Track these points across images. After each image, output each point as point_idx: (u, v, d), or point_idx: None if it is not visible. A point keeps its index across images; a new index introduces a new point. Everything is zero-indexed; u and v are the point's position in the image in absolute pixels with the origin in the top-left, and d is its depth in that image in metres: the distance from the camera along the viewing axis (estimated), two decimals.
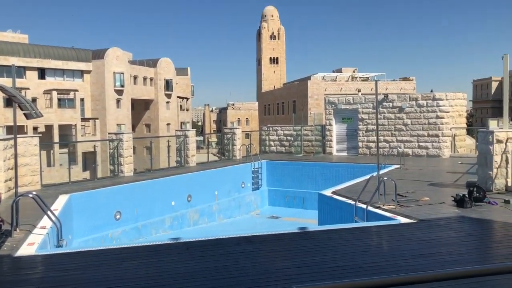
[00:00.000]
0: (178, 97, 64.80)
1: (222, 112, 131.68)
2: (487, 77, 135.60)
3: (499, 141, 12.47)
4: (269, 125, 30.00)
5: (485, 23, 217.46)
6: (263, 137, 28.28)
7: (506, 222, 9.31)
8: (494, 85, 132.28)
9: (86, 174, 36.47)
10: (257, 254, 7.62)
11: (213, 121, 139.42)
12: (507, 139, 12.53)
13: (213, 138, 61.05)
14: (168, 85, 60.97)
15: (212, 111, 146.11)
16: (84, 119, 49.98)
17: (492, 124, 13.25)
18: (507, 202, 10.96)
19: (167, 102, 61.53)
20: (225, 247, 7.92)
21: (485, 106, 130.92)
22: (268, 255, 7.64)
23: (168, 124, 60.65)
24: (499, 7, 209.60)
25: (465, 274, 4.46)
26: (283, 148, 27.43)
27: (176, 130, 23.64)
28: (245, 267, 6.70)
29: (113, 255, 7.78)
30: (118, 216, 16.01)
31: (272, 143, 27.83)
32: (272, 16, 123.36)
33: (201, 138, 52.17)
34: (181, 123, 58.77)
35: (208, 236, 9.31)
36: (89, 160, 37.23)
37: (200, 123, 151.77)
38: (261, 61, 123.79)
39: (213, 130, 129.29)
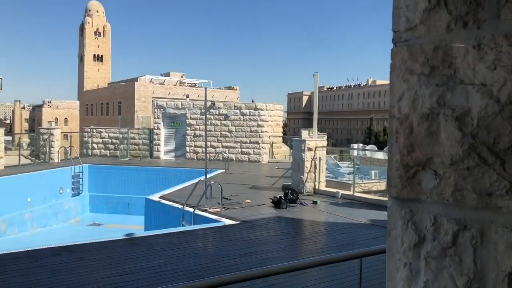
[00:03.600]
0: None
1: (37, 110, 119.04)
2: (299, 91, 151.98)
3: (309, 149, 14.11)
4: (92, 127, 28.33)
5: (298, 42, 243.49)
6: (86, 139, 26.56)
7: (314, 220, 10.59)
8: (305, 98, 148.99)
9: None
10: (78, 264, 7.14)
11: (25, 119, 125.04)
12: (316, 148, 14.27)
13: (25, 139, 54.70)
14: None
15: (24, 108, 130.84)
16: None
17: (304, 134, 14.96)
18: (315, 202, 12.47)
19: None
20: (40, 259, 7.23)
21: (298, 117, 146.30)
22: (91, 264, 7.22)
23: None
24: (312, 29, 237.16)
25: (279, 271, 4.95)
26: (108, 152, 26.19)
27: None
28: (65, 279, 6.23)
29: None
30: None
31: (95, 145, 26.31)
32: (98, 11, 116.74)
33: (9, 138, 46.22)
34: None
35: (19, 248, 8.33)
36: None
37: (8, 121, 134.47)
38: (83, 57, 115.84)
39: (25, 130, 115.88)
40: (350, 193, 13.83)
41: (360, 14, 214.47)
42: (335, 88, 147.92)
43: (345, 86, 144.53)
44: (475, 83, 0.84)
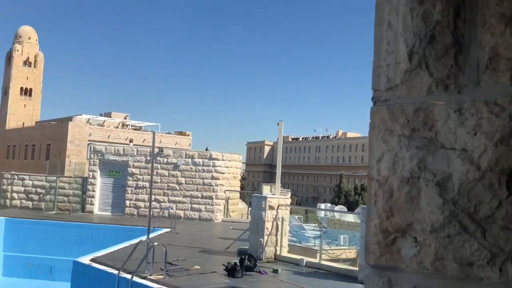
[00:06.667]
0: None
1: None
2: (261, 140, 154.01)
3: (271, 207, 14.17)
4: (13, 172, 27.51)
5: (262, 89, 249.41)
6: (4, 187, 25.83)
7: None
8: (267, 149, 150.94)
9: None
10: None
11: None
12: (278, 206, 14.35)
13: None
14: None
15: None
16: None
17: (266, 189, 15.06)
18: (275, 271, 12.39)
19: None
20: None
21: (258, 169, 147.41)
22: None
23: None
24: (276, 77, 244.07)
25: None
26: (31, 203, 25.34)
27: None
28: None
29: None
30: None
31: (15, 195, 25.46)
32: (30, 38, 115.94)
33: None
34: None
35: None
36: None
37: None
38: (8, 90, 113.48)
39: None
40: (316, 260, 13.85)
41: (332, 62, 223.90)
42: (300, 139, 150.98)
43: (312, 137, 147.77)
44: (456, 148, 0.95)
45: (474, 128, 0.93)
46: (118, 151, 25.18)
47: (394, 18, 1.08)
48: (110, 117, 68.61)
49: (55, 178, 25.94)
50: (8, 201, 25.30)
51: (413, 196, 0.99)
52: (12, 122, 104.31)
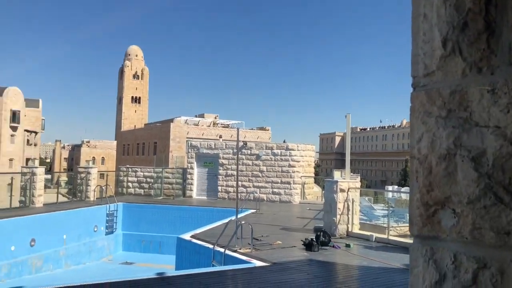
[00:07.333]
0: (25, 130, 58.99)
1: (76, 149, 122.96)
2: (332, 132, 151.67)
3: (342, 190, 13.94)
4: (128, 166, 29.01)
5: (331, 83, 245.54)
6: (121, 178, 27.16)
7: (348, 264, 10.32)
8: (338, 139, 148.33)
9: None
10: None
11: (64, 158, 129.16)
12: (348, 189, 14.08)
13: (64, 177, 56.47)
14: (14, 116, 55.31)
15: (64, 147, 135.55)
16: None
17: (337, 174, 14.81)
18: (348, 246, 12.18)
19: (12, 135, 55.56)
20: None
21: (330, 158, 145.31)
22: None
23: (11, 160, 54.49)
24: (343, 70, 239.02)
25: None
26: (142, 191, 26.65)
27: (22, 167, 21.43)
28: None
29: None
30: None
31: (130, 184, 26.85)
32: (137, 55, 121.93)
33: (49, 176, 47.83)
34: (27, 159, 53.31)
35: (52, 284, 8.47)
36: None
37: (49, 160, 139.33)
38: (122, 99, 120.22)
39: (64, 168, 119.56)
40: (385, 236, 13.46)
41: (394, 54, 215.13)
42: (368, 129, 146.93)
43: (379, 127, 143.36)
44: (490, 126, 0.88)
45: (507, 106, 0.86)
46: (210, 145, 25.87)
47: (429, 10, 1.02)
48: (203, 117, 70.59)
49: (161, 169, 27.07)
50: (124, 190, 26.78)
51: (450, 171, 0.94)
52: (126, 125, 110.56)
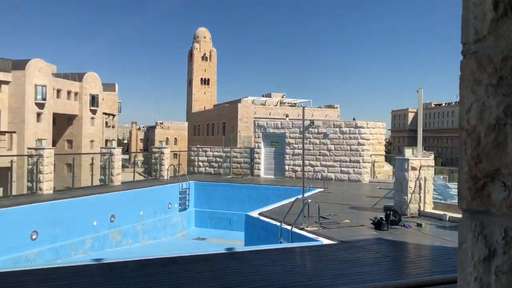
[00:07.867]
0: (104, 113, 62.66)
1: (150, 130, 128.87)
2: (404, 108, 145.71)
3: (413, 169, 13.45)
4: (198, 146, 29.94)
5: (402, 58, 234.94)
6: (192, 157, 28.13)
7: (419, 244, 10.02)
8: (411, 115, 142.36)
9: None
10: (183, 275, 7.56)
11: (140, 139, 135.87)
12: (420, 167, 13.56)
13: (140, 157, 59.50)
14: (93, 100, 58.85)
15: (139, 129, 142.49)
16: None
17: (408, 152, 14.29)
18: (419, 225, 11.80)
19: (92, 118, 59.26)
20: (149, 269, 7.77)
21: (402, 135, 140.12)
22: (194, 276, 7.60)
23: (92, 141, 58.27)
24: (415, 44, 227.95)
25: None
26: (212, 169, 27.44)
27: (101, 148, 22.90)
28: None
29: (34, 276, 7.34)
30: (34, 236, 15.05)
31: (201, 163, 27.75)
32: (205, 37, 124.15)
33: (126, 156, 50.63)
34: (106, 140, 56.75)
35: (132, 257, 9.05)
36: (1, 176, 34.62)
37: (126, 141, 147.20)
38: (192, 81, 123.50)
39: (140, 149, 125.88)
40: (460, 215, 12.85)
41: None
42: (443, 104, 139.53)
43: (455, 102, 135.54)
44: None
45: None
46: (277, 125, 25.95)
47: None
48: (270, 97, 70.74)
49: (229, 149, 27.66)
50: (196, 169, 27.74)
51: (499, 142, 0.88)
52: (196, 106, 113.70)
